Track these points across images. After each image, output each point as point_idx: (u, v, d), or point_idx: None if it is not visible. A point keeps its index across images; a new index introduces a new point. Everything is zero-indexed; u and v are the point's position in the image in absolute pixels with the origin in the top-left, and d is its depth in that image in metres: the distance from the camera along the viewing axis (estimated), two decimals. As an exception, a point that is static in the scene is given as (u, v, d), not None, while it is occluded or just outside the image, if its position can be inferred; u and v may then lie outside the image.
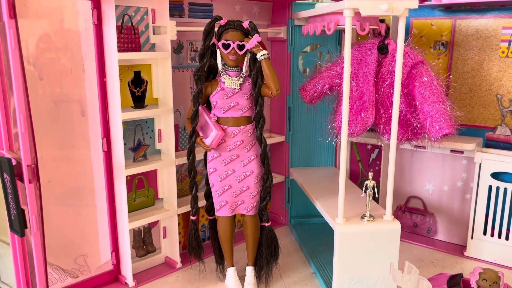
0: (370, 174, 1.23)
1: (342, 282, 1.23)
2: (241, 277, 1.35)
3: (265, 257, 1.30)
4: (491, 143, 1.50)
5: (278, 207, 1.83)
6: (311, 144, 1.76)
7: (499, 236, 1.47)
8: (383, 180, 1.70)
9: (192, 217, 1.31)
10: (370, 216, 1.24)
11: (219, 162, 1.24)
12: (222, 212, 1.27)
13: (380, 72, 1.23)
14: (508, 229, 1.46)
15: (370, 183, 1.23)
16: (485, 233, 1.49)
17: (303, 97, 1.43)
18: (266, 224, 1.30)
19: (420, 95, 1.19)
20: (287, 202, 1.79)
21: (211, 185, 1.27)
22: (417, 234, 1.70)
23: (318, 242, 1.61)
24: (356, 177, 1.82)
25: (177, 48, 1.42)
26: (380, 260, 1.23)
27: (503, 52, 1.43)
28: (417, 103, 1.20)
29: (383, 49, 1.23)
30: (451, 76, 1.52)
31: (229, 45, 1.16)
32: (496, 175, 1.45)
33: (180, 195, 1.48)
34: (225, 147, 1.23)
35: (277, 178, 1.76)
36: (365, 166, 1.80)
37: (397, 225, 1.23)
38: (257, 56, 1.16)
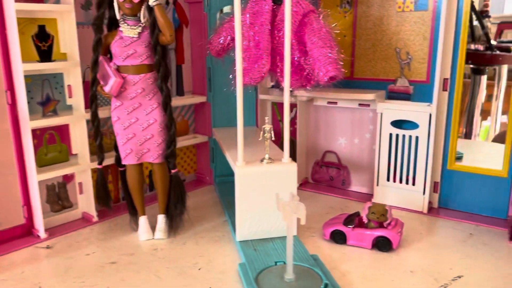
0: (266, 119, 1.29)
1: (244, 220, 1.30)
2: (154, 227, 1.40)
3: (173, 203, 1.35)
4: (393, 95, 1.59)
5: (203, 167, 1.89)
6: (233, 104, 1.81)
7: (400, 181, 1.57)
8: (299, 136, 1.78)
9: (98, 166, 1.34)
10: (269, 158, 1.31)
11: (122, 111, 1.28)
12: (128, 160, 1.31)
13: (275, 21, 1.30)
14: (408, 174, 1.56)
15: (266, 127, 1.29)
16: (388, 179, 1.59)
17: (210, 50, 1.48)
18: (173, 171, 1.35)
19: (310, 41, 1.26)
20: (212, 162, 1.85)
21: (115, 134, 1.31)
22: (334, 187, 1.79)
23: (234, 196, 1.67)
24: (278, 136, 1.89)
25: (85, 4, 1.44)
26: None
27: (399, 7, 1.52)
28: (307, 49, 1.27)
29: (277, 0, 1.30)
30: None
31: (123, -7, 1.20)
32: (397, 124, 1.55)
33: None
34: (127, 96, 1.27)
35: (200, 138, 1.81)
36: (286, 125, 1.87)
37: (293, 166, 1.30)
38: (149, 3, 1.20)
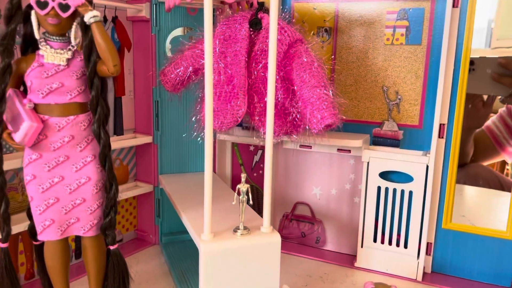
0: (243, 176, 0.99)
1: (211, 315, 0.97)
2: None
3: (112, 291, 0.99)
4: (378, 140, 1.36)
5: (145, 222, 1.52)
6: (185, 146, 1.49)
7: (390, 243, 1.33)
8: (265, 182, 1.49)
9: (2, 245, 0.94)
10: (245, 228, 1.00)
11: (40, 167, 0.91)
12: (46, 235, 0.94)
13: (253, 51, 1.01)
14: (398, 234, 1.32)
15: (243, 187, 0.99)
16: (375, 240, 1.34)
17: (163, 83, 1.16)
18: (112, 247, 0.99)
19: (299, 79, 0.98)
20: (157, 216, 1.49)
21: (29, 199, 0.93)
22: (306, 245, 1.51)
23: (191, 263, 1.33)
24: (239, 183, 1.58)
25: (-10, 15, 1.06)
26: (258, 282, 1.00)
27: (387, 39, 1.31)
28: (295, 88, 0.99)
29: (256, 24, 1.01)
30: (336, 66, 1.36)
31: (46, 3, 0.85)
32: (384, 175, 1.32)
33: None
34: (48, 145, 0.90)
35: (143, 188, 1.45)
36: (248, 170, 1.58)
37: (276, 238, 1.00)
38: (85, 19, 0.86)
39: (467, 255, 1.29)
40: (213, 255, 0.95)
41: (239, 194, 0.99)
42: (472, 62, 1.22)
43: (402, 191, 1.29)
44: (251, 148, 1.56)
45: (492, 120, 1.45)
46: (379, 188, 1.32)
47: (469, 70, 1.22)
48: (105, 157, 0.94)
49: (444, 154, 1.27)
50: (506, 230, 1.24)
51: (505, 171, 1.50)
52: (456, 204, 1.30)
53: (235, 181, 1.59)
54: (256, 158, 1.56)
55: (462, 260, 1.30)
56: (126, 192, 1.41)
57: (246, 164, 1.58)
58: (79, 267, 1.30)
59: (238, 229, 1.00)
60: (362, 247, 1.36)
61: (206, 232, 0.96)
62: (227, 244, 0.96)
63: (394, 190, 1.30)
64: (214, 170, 1.55)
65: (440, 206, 1.30)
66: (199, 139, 0.99)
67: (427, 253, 1.32)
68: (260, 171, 1.55)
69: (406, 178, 1.29)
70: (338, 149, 1.40)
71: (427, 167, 1.25)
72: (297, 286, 1.25)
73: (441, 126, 1.25)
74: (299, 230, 1.52)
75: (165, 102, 1.42)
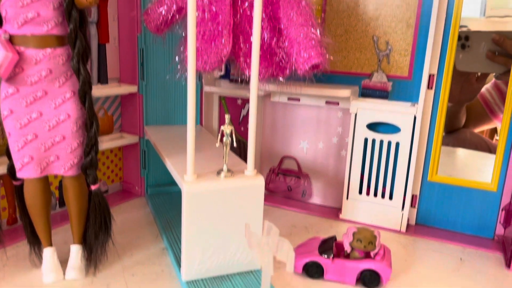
0: (227, 117, 0.97)
1: (193, 254, 0.97)
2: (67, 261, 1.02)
3: (92, 231, 0.98)
4: (367, 92, 1.34)
5: (131, 174, 1.51)
6: (172, 97, 1.46)
7: (375, 195, 1.33)
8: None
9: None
10: (228, 171, 0.99)
11: (18, 101, 0.88)
12: (26, 172, 0.92)
13: (239, -12, 0.98)
14: (384, 186, 1.32)
15: (226, 128, 0.97)
16: (360, 192, 1.34)
17: (147, 23, 1.12)
18: (93, 187, 0.97)
19: (286, 17, 0.95)
20: (143, 168, 1.48)
21: (7, 135, 0.91)
22: (292, 199, 1.51)
23: (177, 213, 1.33)
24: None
25: None
26: (241, 224, 0.99)
27: (379, -13, 1.27)
28: (282, 27, 0.96)
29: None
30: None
31: None
32: (372, 127, 1.30)
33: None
34: (24, 79, 0.87)
35: (128, 139, 1.43)
36: (236, 124, 1.56)
37: (260, 181, 0.99)
38: None
39: (451, 207, 1.30)
40: (196, 195, 0.94)
41: (222, 136, 0.98)
42: (467, 37, 1.20)
43: (389, 143, 1.29)
44: (239, 101, 1.54)
45: (485, 87, 1.44)
46: (366, 140, 1.31)
47: (464, 46, 1.21)
48: (84, 94, 0.91)
49: (433, 105, 1.25)
50: (490, 182, 1.25)
51: (494, 140, 1.49)
52: (444, 164, 1.30)
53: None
54: (244, 112, 1.54)
55: (446, 212, 1.31)
56: (111, 142, 1.39)
57: (233, 118, 1.56)
58: (63, 215, 1.29)
59: (222, 171, 0.98)
60: (347, 199, 1.36)
61: (189, 172, 0.95)
62: (210, 185, 0.95)
63: (381, 142, 1.29)
64: (200, 123, 1.53)
65: (426, 158, 1.29)
66: (182, 80, 0.96)
67: (412, 205, 1.33)
68: (247, 125, 1.53)
69: (393, 130, 1.28)
70: (326, 102, 1.38)
71: (415, 117, 1.24)
72: (281, 235, 1.25)
73: (430, 76, 1.24)
74: (285, 184, 1.52)
75: (151, 51, 1.39)
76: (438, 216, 1.32)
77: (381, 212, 1.32)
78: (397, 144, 1.28)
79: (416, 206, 1.33)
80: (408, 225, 1.33)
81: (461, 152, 1.48)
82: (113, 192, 1.50)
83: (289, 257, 0.71)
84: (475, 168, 1.44)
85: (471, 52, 1.19)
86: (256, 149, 1.51)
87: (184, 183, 0.94)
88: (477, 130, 1.53)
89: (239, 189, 0.97)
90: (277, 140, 1.50)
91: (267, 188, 1.55)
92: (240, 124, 1.56)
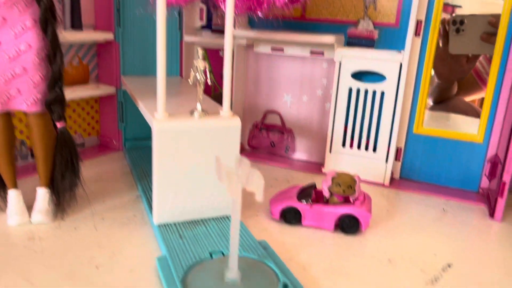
0: (200, 51, 0.92)
1: (164, 196, 0.93)
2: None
3: (59, 171, 0.94)
4: (353, 41, 1.29)
5: (109, 128, 1.45)
6: (150, 46, 1.40)
7: (358, 147, 1.29)
8: (235, 91, 1.42)
9: None
10: (203, 110, 0.94)
11: (-28, 27, 0.82)
12: (-16, 106, 0.86)
13: None
14: (368, 139, 1.28)
15: (199, 64, 0.92)
16: (344, 145, 1.31)
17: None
18: (58, 125, 0.92)
19: None
20: (121, 121, 1.42)
21: (-39, 65, 0.85)
22: (275, 155, 1.47)
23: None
24: (208, 90, 1.51)
25: None
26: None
27: None
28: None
29: None
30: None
31: None
32: (357, 78, 1.26)
33: None
34: (-21, 3, 0.81)
35: (105, 89, 1.37)
36: (218, 77, 1.51)
37: (236, 121, 0.95)
38: None
39: (436, 160, 1.27)
40: (166, 133, 0.89)
41: (195, 71, 0.92)
42: (462, 21, 1.16)
43: (374, 93, 1.24)
44: (221, 53, 1.48)
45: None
46: (350, 90, 1.26)
47: (458, 30, 1.17)
48: (46, 21, 0.85)
49: (420, 52, 1.21)
50: (477, 133, 1.21)
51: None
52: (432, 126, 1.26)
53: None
54: (226, 64, 1.48)
55: (431, 165, 1.28)
56: (86, 91, 1.33)
57: (215, 72, 1.50)
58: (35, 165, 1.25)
59: (196, 110, 0.94)
60: (330, 152, 1.32)
61: (160, 110, 0.90)
62: (182, 123, 0.90)
63: (366, 92, 1.25)
64: (180, 74, 1.48)
65: (412, 109, 1.25)
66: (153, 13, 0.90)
67: (397, 158, 1.30)
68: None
69: (378, 79, 1.23)
70: (311, 52, 1.33)
71: (401, 65, 1.19)
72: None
73: (418, 23, 1.18)
74: (268, 139, 1.48)
75: (128, -4, 1.32)
76: (423, 169, 1.29)
77: (364, 165, 1.28)
78: (382, 94, 1.23)
79: (401, 159, 1.30)
80: (392, 179, 1.30)
81: (451, 117, 1.44)
82: (90, 146, 1.46)
83: (258, 187, 0.67)
84: (462, 127, 1.41)
85: (465, 36, 1.17)
86: (239, 103, 1.47)
87: (154, 121, 0.89)
88: (468, 98, 1.50)
89: (213, 130, 0.92)
90: (261, 94, 1.45)
91: (250, 144, 1.51)
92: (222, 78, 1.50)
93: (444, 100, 1.49)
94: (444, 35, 1.18)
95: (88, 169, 1.25)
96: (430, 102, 1.44)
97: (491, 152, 1.21)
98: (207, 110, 0.96)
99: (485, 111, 1.19)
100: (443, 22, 1.19)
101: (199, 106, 0.93)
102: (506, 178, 1.05)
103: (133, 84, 1.28)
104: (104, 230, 0.93)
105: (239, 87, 1.44)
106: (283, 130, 1.45)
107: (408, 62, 1.18)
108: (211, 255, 0.83)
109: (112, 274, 0.79)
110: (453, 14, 1.19)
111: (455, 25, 1.18)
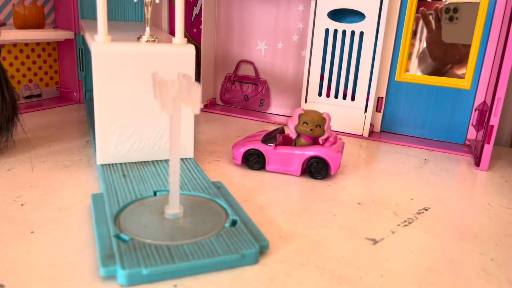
0: (147, -35, 0.81)
1: (109, 135, 0.82)
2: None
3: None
4: (331, -21, 1.18)
5: (68, 78, 1.34)
6: (111, -12, 1.29)
7: (336, 96, 1.19)
8: (205, 40, 1.31)
9: None
10: (151, 35, 0.83)
11: None
12: None
13: None
14: (346, 88, 1.18)
15: (146, -20, 0.81)
16: (320, 94, 1.20)
17: None
18: (-14, 49, 0.81)
19: None
20: (80, 70, 1.31)
21: None
22: (249, 110, 1.37)
23: (113, 114, 1.18)
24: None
25: None
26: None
27: None
28: None
29: None
30: None
31: None
32: (335, 18, 1.15)
33: None
34: None
35: (62, 34, 1.26)
36: (187, 25, 1.40)
37: (190, 49, 0.84)
38: None
39: (420, 111, 1.17)
40: (107, 58, 0.78)
41: (144, -9, 0.81)
42: (456, 9, 1.05)
43: (352, 33, 1.13)
44: (190, -3, 1.37)
45: None
46: (327, 32, 1.15)
47: (452, 18, 1.06)
48: None
49: (403, -10, 1.10)
50: (464, 79, 1.11)
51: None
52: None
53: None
54: (196, 10, 1.37)
55: (415, 115, 1.18)
56: (39, 35, 1.21)
57: (184, 19, 1.39)
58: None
59: (144, 35, 0.83)
60: (306, 102, 1.22)
61: (101, 32, 0.79)
62: (126, 47, 0.79)
63: (344, 33, 1.14)
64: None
65: (394, 53, 1.15)
66: None
67: (378, 109, 1.19)
68: (200, 26, 1.37)
69: (357, 19, 1.12)
70: (285, -7, 1.22)
71: (381, 1, 1.08)
72: (230, 136, 1.11)
73: (401, -45, 1.07)
74: (242, 93, 1.37)
75: None
76: (406, 120, 1.19)
77: (342, 116, 1.18)
78: (361, 35, 1.12)
79: (382, 110, 1.20)
80: (373, 132, 1.20)
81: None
82: (49, 97, 1.35)
83: (195, 98, 0.56)
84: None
85: (459, 24, 1.06)
86: (210, 53, 1.35)
87: (93, 44, 0.78)
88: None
89: (163, 56, 0.81)
90: (233, 43, 1.34)
91: (222, 99, 1.40)
92: (192, 25, 1.39)
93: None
94: (437, 22, 1.08)
95: (39, 118, 1.15)
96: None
97: (479, 99, 1.10)
98: (159, 37, 0.85)
99: (473, 53, 1.08)
100: (436, 9, 1.09)
101: (147, 31, 0.83)
102: (493, 121, 0.95)
103: (90, 27, 1.17)
104: (42, 172, 0.83)
105: (208, 34, 1.32)
106: (257, 81, 1.34)
107: (389, -2, 1.08)
108: (155, 193, 0.73)
109: (36, 211, 0.68)
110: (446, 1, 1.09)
111: (448, 13, 1.08)
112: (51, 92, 1.35)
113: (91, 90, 1.34)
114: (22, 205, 0.70)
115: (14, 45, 1.23)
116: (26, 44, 1.26)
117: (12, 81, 1.23)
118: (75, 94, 1.34)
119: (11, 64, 1.23)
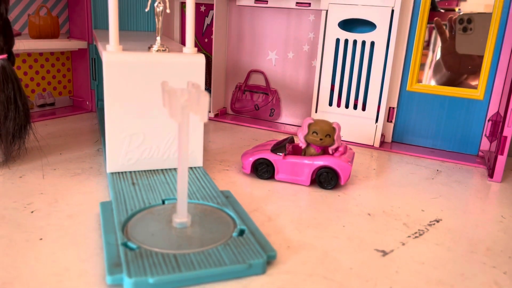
0: (158, -23, 0.82)
1: (119, 144, 0.83)
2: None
3: (1, 110, 0.84)
4: (342, -10, 1.18)
5: (81, 88, 1.36)
6: (125, -1, 1.31)
7: (346, 106, 1.18)
8: (216, 50, 1.32)
9: None
10: (162, 45, 0.84)
11: None
12: None
13: None
14: (356, 97, 1.17)
15: (158, -8, 0.82)
16: (330, 104, 1.20)
17: None
18: (0, 57, 0.83)
19: None
20: (93, 79, 1.33)
21: None
22: (260, 119, 1.37)
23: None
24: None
25: None
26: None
27: None
28: None
29: None
30: None
31: None
32: (345, 27, 1.15)
33: None
34: None
35: (75, 44, 1.28)
36: (199, 35, 1.41)
37: (200, 58, 0.84)
38: None
39: (432, 121, 1.15)
40: (118, 66, 0.79)
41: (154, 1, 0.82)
42: (469, 20, 1.05)
43: (363, 43, 1.13)
44: (202, 8, 1.38)
45: None
46: (338, 41, 1.15)
47: (466, 29, 1.06)
48: None
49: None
50: (477, 89, 1.09)
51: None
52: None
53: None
54: (208, 20, 1.38)
55: (426, 126, 1.16)
56: (53, 45, 1.24)
57: (196, 29, 1.40)
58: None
59: (154, 45, 0.84)
60: (316, 112, 1.21)
61: (112, 42, 0.80)
62: (137, 56, 0.80)
63: (354, 42, 1.14)
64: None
65: (406, 63, 1.14)
66: None
67: (389, 119, 1.19)
68: (212, 36, 1.38)
69: (368, 29, 1.12)
70: (296, 3, 1.22)
71: (393, 11, 1.08)
72: (240, 146, 1.11)
73: (412, -35, 1.07)
74: (252, 102, 1.37)
75: None
76: (417, 130, 1.17)
77: (352, 126, 1.17)
78: (372, 45, 1.12)
79: (393, 120, 1.19)
80: (384, 143, 1.19)
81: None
82: (62, 106, 1.36)
83: (202, 106, 0.56)
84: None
85: (473, 35, 1.06)
86: (221, 63, 1.36)
87: (105, 53, 0.79)
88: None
89: (173, 65, 0.82)
90: (244, 52, 1.35)
91: (232, 108, 1.41)
92: (204, 35, 1.40)
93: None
94: (451, 32, 1.08)
95: (52, 126, 1.17)
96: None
97: (492, 110, 1.09)
98: (169, 47, 0.86)
99: (487, 63, 1.07)
100: (450, 20, 1.08)
101: (158, 40, 0.83)
102: (507, 132, 0.93)
103: (102, 36, 1.18)
104: (52, 180, 0.84)
105: (220, 44, 1.33)
106: (268, 91, 1.34)
107: (400, 7, 1.07)
108: (163, 202, 0.73)
109: (46, 218, 0.69)
110: (459, 9, 1.08)
111: (461, 23, 1.07)
112: (64, 101, 1.37)
113: (103, 99, 1.35)
114: (32, 212, 0.71)
115: (29, 54, 1.25)
116: (41, 54, 1.28)
117: (26, 90, 1.25)
118: (87, 103, 1.35)
119: (25, 73, 1.25)
